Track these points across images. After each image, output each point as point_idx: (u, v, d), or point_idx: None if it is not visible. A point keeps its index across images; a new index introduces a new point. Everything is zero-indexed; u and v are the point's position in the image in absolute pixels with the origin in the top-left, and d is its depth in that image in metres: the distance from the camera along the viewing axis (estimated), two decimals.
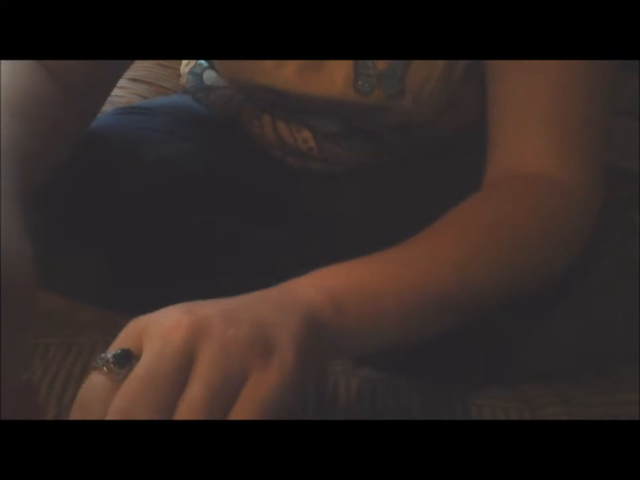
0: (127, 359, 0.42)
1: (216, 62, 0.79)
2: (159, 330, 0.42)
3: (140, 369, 0.41)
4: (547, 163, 0.60)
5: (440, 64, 0.66)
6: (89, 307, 0.71)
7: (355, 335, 0.49)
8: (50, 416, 0.57)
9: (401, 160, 0.77)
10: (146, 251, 0.69)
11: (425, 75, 0.66)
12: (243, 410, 0.41)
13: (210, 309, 0.44)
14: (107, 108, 0.91)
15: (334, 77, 0.68)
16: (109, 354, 0.42)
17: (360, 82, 0.66)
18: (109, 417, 0.40)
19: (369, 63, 0.66)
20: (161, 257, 0.69)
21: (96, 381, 0.42)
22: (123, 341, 0.43)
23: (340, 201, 0.77)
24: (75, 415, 0.41)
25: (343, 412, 0.61)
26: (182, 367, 0.41)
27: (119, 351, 0.42)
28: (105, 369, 0.42)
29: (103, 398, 0.41)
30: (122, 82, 1.00)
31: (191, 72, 0.85)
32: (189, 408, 0.40)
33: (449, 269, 0.54)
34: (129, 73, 1.03)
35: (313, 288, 0.48)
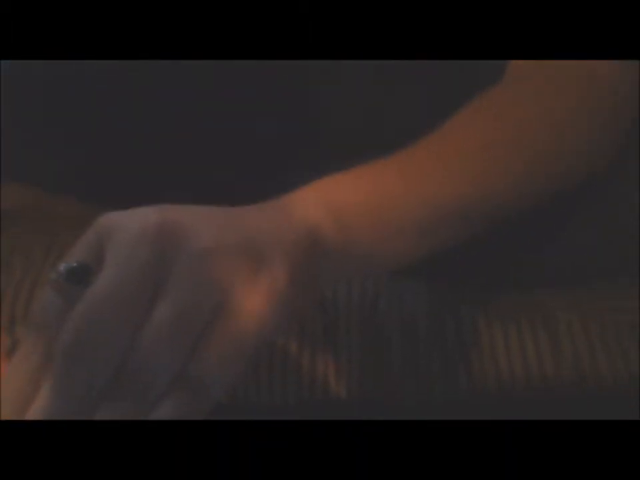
0: (82, 274, 0.36)
1: None
2: (124, 237, 0.36)
3: (98, 286, 0.35)
4: None
5: None
6: (72, 200, 0.63)
7: (359, 256, 0.43)
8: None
9: None
10: (134, 135, 0.61)
11: None
12: (220, 337, 0.36)
13: (190, 213, 0.38)
14: None
15: None
16: (63, 267, 0.37)
17: None
18: (61, 343, 0.35)
19: None
20: (150, 143, 0.61)
21: (48, 297, 0.37)
22: (82, 248, 0.38)
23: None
24: (29, 333, 0.37)
25: (342, 318, 0.54)
26: (150, 283, 0.35)
27: (75, 265, 0.37)
28: (57, 284, 0.37)
29: (54, 318, 0.36)
30: None
31: None
32: (155, 332, 0.35)
33: (465, 177, 0.47)
34: None
35: (315, 203, 0.42)
